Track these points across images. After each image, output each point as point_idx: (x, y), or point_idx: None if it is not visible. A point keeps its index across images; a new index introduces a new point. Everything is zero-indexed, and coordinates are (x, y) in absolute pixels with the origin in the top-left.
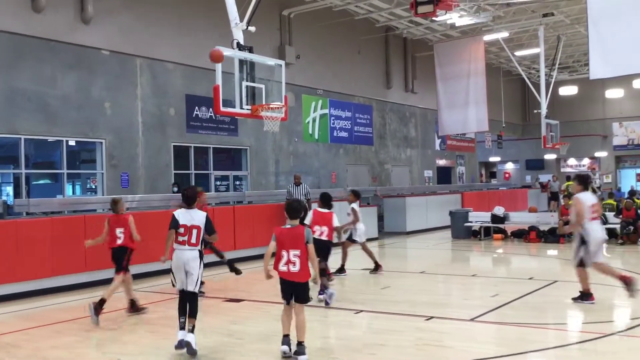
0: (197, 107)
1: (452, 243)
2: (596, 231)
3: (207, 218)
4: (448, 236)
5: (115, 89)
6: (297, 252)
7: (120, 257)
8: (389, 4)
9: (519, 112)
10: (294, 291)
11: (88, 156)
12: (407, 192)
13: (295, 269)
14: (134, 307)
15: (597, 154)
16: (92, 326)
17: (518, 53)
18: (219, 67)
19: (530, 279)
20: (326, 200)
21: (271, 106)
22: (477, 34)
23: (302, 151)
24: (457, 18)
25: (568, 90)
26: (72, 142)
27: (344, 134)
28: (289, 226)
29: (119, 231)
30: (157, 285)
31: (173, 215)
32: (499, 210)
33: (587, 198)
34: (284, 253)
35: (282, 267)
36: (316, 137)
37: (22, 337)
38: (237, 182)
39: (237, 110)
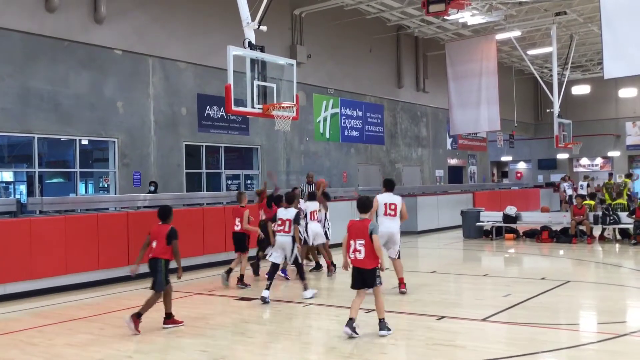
0: (208, 107)
1: (463, 243)
2: None
3: (297, 214)
4: (459, 236)
5: (127, 88)
6: (362, 241)
7: (239, 240)
8: (401, 3)
9: (531, 112)
10: (363, 277)
11: (100, 155)
12: (418, 192)
13: (360, 256)
14: (241, 281)
15: (610, 154)
16: (104, 324)
17: (530, 52)
18: (230, 66)
19: (542, 279)
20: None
21: (282, 105)
22: (489, 33)
23: (313, 150)
24: (469, 17)
25: (581, 90)
26: (84, 141)
27: (355, 134)
28: (358, 219)
29: (237, 220)
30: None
31: (277, 211)
32: (511, 210)
33: None
34: (352, 242)
35: (351, 255)
36: (327, 136)
37: (36, 334)
38: (248, 181)
39: (248, 109)
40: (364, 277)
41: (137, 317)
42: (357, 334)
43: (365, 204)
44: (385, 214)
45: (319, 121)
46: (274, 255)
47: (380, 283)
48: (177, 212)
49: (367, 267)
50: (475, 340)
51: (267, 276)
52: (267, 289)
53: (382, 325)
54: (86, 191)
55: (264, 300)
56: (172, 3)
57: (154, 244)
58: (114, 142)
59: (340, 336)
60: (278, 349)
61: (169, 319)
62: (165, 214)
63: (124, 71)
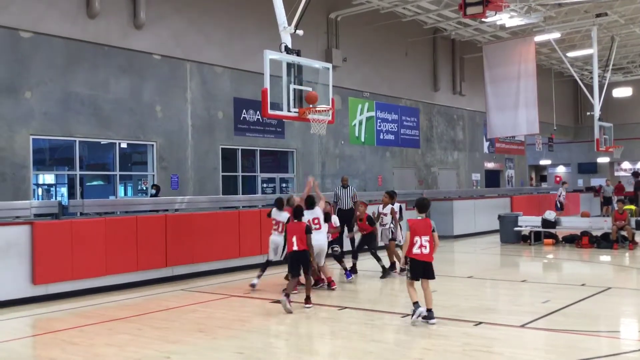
0: (244, 110)
1: (501, 248)
2: None
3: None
4: (497, 240)
5: (165, 92)
6: (427, 237)
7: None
8: (437, 6)
9: (571, 115)
10: (425, 269)
11: (139, 158)
12: (455, 196)
13: (426, 251)
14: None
15: None
16: (142, 325)
17: (570, 54)
18: (267, 70)
19: (582, 285)
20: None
21: (318, 109)
22: (527, 35)
23: (348, 154)
24: (507, 19)
25: (622, 92)
26: (124, 145)
27: (391, 137)
28: (419, 217)
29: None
30: (205, 285)
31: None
32: (550, 215)
33: None
34: (417, 239)
35: (416, 250)
36: (362, 139)
37: (76, 333)
38: (284, 185)
39: (284, 113)
40: (428, 270)
41: (287, 297)
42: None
43: (425, 205)
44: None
45: (355, 125)
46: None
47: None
48: (214, 214)
49: (431, 261)
50: (513, 347)
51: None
52: (258, 277)
53: (431, 314)
54: (125, 194)
55: (253, 287)
56: (209, 8)
57: (294, 239)
58: (153, 145)
59: (379, 341)
60: (313, 352)
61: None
62: (298, 213)
63: (162, 76)
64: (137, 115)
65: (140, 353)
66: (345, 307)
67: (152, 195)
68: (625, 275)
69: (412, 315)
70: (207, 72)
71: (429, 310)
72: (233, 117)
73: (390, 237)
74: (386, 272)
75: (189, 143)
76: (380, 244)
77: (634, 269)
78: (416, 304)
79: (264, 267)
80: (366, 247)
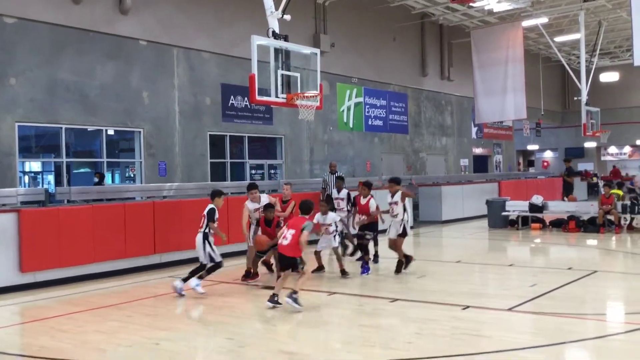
0: (232, 96)
1: (488, 232)
2: None
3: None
4: (485, 225)
5: (152, 78)
6: (293, 232)
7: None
8: None
9: (559, 100)
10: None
11: (127, 145)
12: (443, 181)
13: (285, 242)
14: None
15: (639, 142)
16: (132, 312)
17: (558, 39)
18: (254, 56)
19: (569, 269)
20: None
21: (306, 95)
22: (515, 20)
23: (336, 140)
24: (494, 4)
25: (609, 77)
26: (111, 132)
27: (379, 123)
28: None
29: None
30: None
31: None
32: (537, 200)
33: None
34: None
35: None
36: (351, 125)
37: (66, 321)
38: (272, 171)
39: (272, 99)
40: (281, 260)
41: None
42: (279, 303)
43: (308, 207)
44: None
45: (343, 110)
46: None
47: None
48: (202, 201)
49: (285, 254)
50: (501, 330)
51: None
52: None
53: (292, 297)
54: (113, 181)
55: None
56: None
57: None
58: (140, 132)
59: (368, 325)
60: (303, 338)
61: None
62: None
63: (149, 62)
64: (123, 101)
65: (130, 340)
66: (335, 293)
67: (95, 184)
68: (611, 259)
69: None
70: (194, 58)
71: (291, 293)
72: (221, 103)
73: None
74: (362, 260)
75: (177, 129)
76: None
77: (620, 253)
78: (272, 296)
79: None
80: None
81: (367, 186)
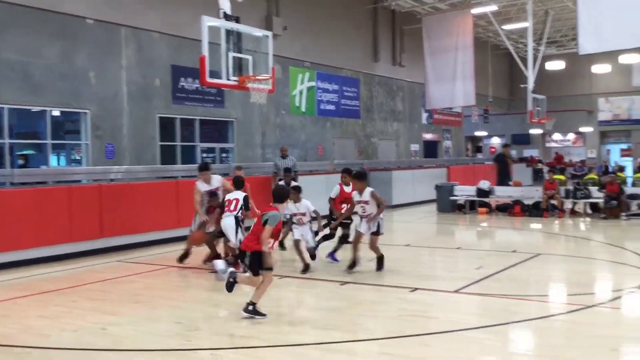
0: (182, 78)
1: (437, 216)
2: None
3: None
4: (434, 210)
5: (100, 58)
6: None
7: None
8: None
9: (506, 87)
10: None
11: (72, 127)
12: (394, 166)
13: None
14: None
15: (582, 129)
16: (77, 297)
17: (506, 27)
18: (205, 37)
19: (513, 252)
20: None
21: (258, 78)
22: (465, 7)
23: (289, 124)
24: None
25: (555, 65)
26: (56, 113)
27: (331, 107)
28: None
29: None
30: (143, 256)
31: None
32: (484, 184)
33: None
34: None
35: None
36: (303, 109)
37: (10, 306)
38: (224, 155)
39: (224, 81)
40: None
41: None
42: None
43: (279, 194)
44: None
45: (295, 94)
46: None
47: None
48: (151, 184)
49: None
50: (449, 312)
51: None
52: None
53: (249, 310)
54: (58, 163)
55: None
56: None
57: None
58: (86, 113)
59: (318, 308)
60: (253, 321)
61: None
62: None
63: (96, 41)
64: (69, 81)
65: (75, 324)
66: (285, 276)
67: (19, 166)
68: (554, 242)
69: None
70: (143, 38)
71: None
72: (171, 85)
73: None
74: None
75: (125, 111)
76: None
77: (562, 236)
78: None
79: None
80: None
81: (348, 173)
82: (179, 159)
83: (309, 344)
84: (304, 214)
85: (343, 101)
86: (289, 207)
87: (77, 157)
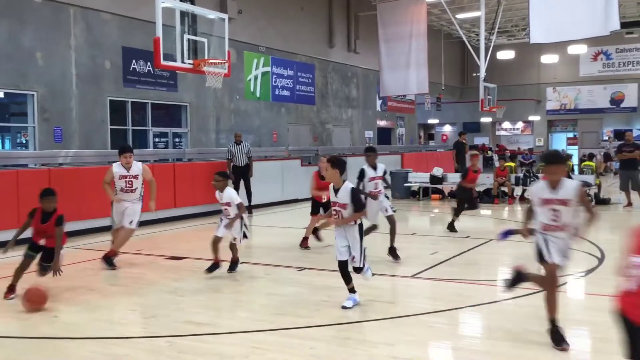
0: (134, 61)
1: (392, 203)
2: None
3: None
4: (388, 196)
5: (47, 39)
6: None
7: None
8: None
9: (458, 75)
10: None
11: (18, 109)
12: (348, 152)
13: None
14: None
15: (530, 118)
16: (26, 284)
17: (459, 16)
18: (158, 18)
19: (467, 237)
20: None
21: (213, 61)
22: None
23: (243, 109)
24: None
25: (506, 55)
26: (0, 94)
27: (286, 93)
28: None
29: None
30: (94, 242)
31: None
32: (438, 171)
33: None
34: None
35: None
36: (258, 95)
37: None
38: (177, 139)
39: (178, 64)
40: None
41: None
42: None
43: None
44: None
45: (250, 79)
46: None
47: None
48: (102, 169)
49: None
50: (405, 296)
51: None
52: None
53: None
54: (3, 147)
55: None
56: None
57: None
58: (33, 95)
59: (275, 294)
60: (210, 307)
61: None
62: None
63: (43, 20)
64: (15, 62)
65: (25, 314)
66: (242, 262)
67: None
68: (504, 228)
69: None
70: (93, 18)
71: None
72: (122, 67)
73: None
74: None
75: (74, 93)
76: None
77: (512, 222)
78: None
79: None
80: None
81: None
82: (131, 143)
83: (266, 330)
84: (228, 205)
85: (298, 87)
86: (217, 195)
87: (24, 141)
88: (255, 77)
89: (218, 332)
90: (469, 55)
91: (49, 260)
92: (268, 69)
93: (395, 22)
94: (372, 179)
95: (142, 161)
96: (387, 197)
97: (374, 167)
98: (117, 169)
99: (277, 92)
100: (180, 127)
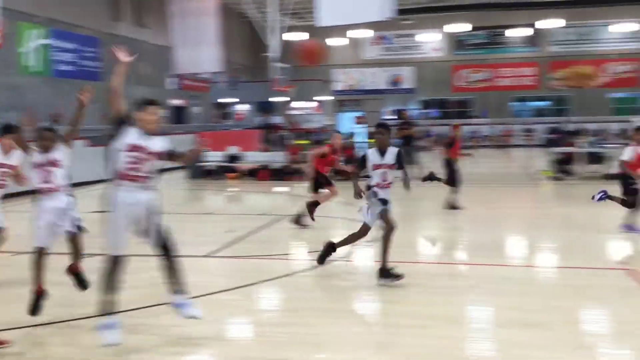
0: None
1: (187, 183)
2: None
3: None
4: (184, 176)
5: None
6: None
7: None
8: None
9: (252, 55)
10: None
11: None
12: None
13: None
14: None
15: (320, 98)
16: None
17: None
18: None
19: (261, 215)
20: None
21: None
22: None
23: (19, 84)
24: None
25: (296, 36)
26: None
27: (70, 68)
28: None
29: None
30: None
31: None
32: (233, 150)
33: None
34: None
35: None
36: (36, 69)
37: None
38: None
39: None
40: None
41: None
42: None
43: None
44: None
45: (26, 52)
46: None
47: None
48: None
49: None
50: (198, 276)
51: None
52: None
53: None
54: None
55: None
56: None
57: None
58: None
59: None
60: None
61: None
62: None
63: None
64: None
65: None
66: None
67: None
68: (298, 205)
69: None
70: None
71: None
72: None
73: None
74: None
75: None
76: None
77: (306, 199)
78: None
79: None
80: None
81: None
82: None
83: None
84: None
85: (84, 62)
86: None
87: None
88: (33, 51)
89: None
90: (263, 36)
91: None
92: (48, 41)
93: None
94: (377, 167)
95: None
96: (387, 201)
97: (382, 152)
98: None
99: (59, 67)
100: None
